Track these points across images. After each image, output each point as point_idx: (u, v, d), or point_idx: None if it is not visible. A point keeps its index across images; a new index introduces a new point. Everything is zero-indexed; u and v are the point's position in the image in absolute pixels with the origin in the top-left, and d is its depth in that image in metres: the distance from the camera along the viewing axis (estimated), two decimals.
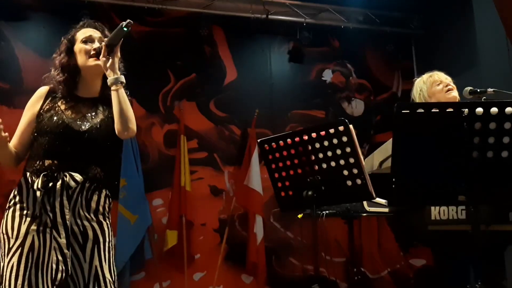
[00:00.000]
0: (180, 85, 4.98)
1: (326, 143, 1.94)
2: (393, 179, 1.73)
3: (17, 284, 1.80)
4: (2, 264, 1.86)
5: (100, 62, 1.92)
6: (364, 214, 3.13)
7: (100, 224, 1.94)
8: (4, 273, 1.83)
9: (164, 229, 4.58)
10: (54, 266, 1.85)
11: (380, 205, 3.06)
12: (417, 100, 2.65)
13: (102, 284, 1.89)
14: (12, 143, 1.97)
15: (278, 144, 2.05)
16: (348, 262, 4.83)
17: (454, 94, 2.60)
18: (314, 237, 2.27)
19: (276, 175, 2.10)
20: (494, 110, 1.65)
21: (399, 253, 5.28)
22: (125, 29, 1.86)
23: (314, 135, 1.96)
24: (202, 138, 5.01)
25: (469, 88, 2.54)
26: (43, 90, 2.04)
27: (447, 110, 1.69)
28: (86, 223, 1.91)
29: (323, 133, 1.94)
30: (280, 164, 2.07)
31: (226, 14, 5.07)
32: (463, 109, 1.66)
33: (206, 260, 4.80)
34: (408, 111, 1.70)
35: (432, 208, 2.26)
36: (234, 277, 4.83)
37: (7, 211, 1.92)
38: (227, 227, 4.90)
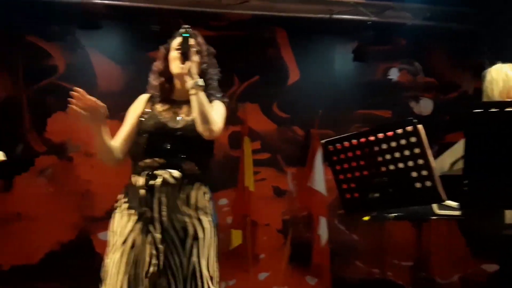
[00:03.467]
0: (244, 87, 5.06)
1: (393, 144, 1.88)
2: (465, 181, 1.67)
3: (118, 280, 1.91)
4: (108, 260, 1.99)
5: (180, 70, 2.04)
6: (434, 217, 3.02)
7: (200, 221, 2.01)
8: (109, 269, 1.96)
9: (229, 228, 4.67)
10: (147, 259, 1.94)
11: (450, 208, 2.94)
12: (489, 93, 2.48)
13: (199, 280, 1.95)
14: (114, 144, 2.10)
15: (343, 145, 2.03)
16: (416, 266, 4.69)
17: None
18: (381, 240, 2.23)
19: (341, 176, 2.08)
20: None
21: (470, 257, 5.04)
22: (184, 35, 1.99)
23: (380, 135, 1.92)
24: (265, 139, 5.05)
25: None
26: (144, 96, 2.22)
27: None
28: (187, 219, 1.99)
29: (390, 133, 1.89)
30: (345, 166, 2.04)
31: (289, 16, 5.08)
32: None
33: (270, 260, 4.83)
34: (480, 110, 1.63)
35: (507, 211, 2.15)
36: (298, 278, 4.83)
37: (115, 211, 2.06)
38: (291, 228, 4.90)
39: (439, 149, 4.67)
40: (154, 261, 1.93)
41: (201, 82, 2.01)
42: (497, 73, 2.53)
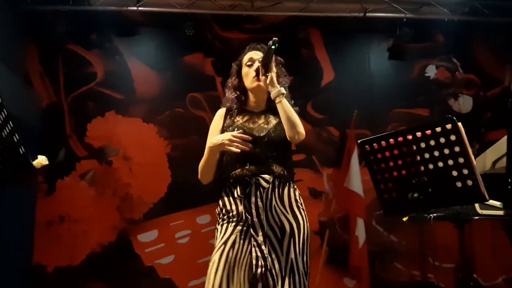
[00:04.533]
0: None
1: (432, 142, 1.85)
2: (509, 180, 1.61)
3: (216, 278, 2.02)
4: (210, 262, 2.10)
5: (261, 83, 2.19)
6: (476, 217, 2.93)
7: (295, 217, 2.14)
8: (209, 268, 2.06)
9: None
10: (254, 261, 2.05)
11: (494, 207, 2.85)
12: None
13: (297, 276, 2.06)
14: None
15: (380, 144, 2.00)
16: (458, 268, 4.56)
17: None
18: (421, 241, 2.18)
19: (379, 176, 2.05)
20: None
21: None
22: (273, 47, 2.10)
23: (419, 134, 1.88)
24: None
25: None
26: (221, 111, 2.34)
27: None
28: (282, 217, 2.12)
29: (429, 132, 1.85)
30: (383, 165, 2.02)
31: (322, 16, 5.05)
32: None
33: None
34: None
35: None
36: (336, 280, 4.78)
37: (218, 224, 2.18)
38: (328, 230, 4.86)
39: (480, 147, 4.56)
40: (261, 262, 2.04)
41: (283, 90, 2.15)
42: None
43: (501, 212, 2.88)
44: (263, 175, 2.12)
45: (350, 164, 4.79)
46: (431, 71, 5.29)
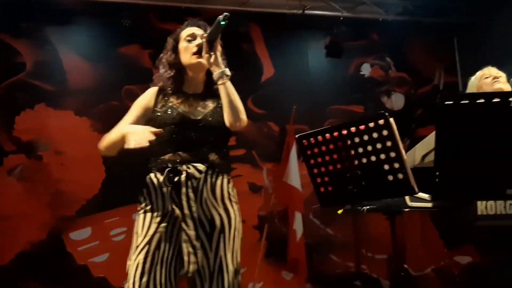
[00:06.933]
0: None
1: (366, 137, 1.89)
2: (437, 173, 1.69)
3: (142, 282, 1.85)
4: (129, 262, 1.92)
5: (203, 60, 1.98)
6: (407, 210, 3.05)
7: (227, 211, 2.00)
8: (131, 271, 1.89)
9: None
10: (185, 258, 1.90)
11: (423, 200, 2.98)
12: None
13: (225, 274, 1.94)
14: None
15: (317, 139, 2.03)
16: (390, 259, 4.75)
17: (500, 86, 2.53)
18: (355, 233, 2.24)
19: (315, 170, 2.08)
20: None
21: (443, 250, 5.14)
22: (222, 23, 1.89)
23: (353, 129, 1.92)
24: (240, 135, 5.03)
25: None
26: (153, 89, 2.10)
27: (494, 100, 1.63)
28: (213, 211, 1.96)
29: (362, 127, 1.90)
30: (319, 160, 2.05)
31: (262, 11, 5.07)
32: (511, 99, 1.60)
33: (246, 257, 4.75)
34: (451, 102, 1.64)
35: (479, 202, 2.19)
36: (274, 273, 4.83)
37: (138, 213, 1.98)
38: (267, 224, 4.90)
39: (411, 143, 4.76)
40: (192, 259, 1.90)
41: (228, 72, 1.97)
42: (474, 77, 2.67)
43: (429, 205, 3.02)
44: (195, 164, 1.95)
45: (289, 159, 4.85)
46: (365, 69, 5.46)
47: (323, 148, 2.01)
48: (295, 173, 4.80)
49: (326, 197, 2.09)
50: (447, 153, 1.71)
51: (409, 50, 5.57)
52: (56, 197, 4.51)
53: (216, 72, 1.96)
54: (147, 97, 2.08)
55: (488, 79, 2.58)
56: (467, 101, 1.64)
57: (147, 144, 1.79)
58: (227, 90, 1.96)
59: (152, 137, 1.82)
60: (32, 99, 4.60)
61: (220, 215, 1.97)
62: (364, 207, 2.82)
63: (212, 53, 1.94)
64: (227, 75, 1.96)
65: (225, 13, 1.88)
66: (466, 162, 1.71)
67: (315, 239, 4.94)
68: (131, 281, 1.87)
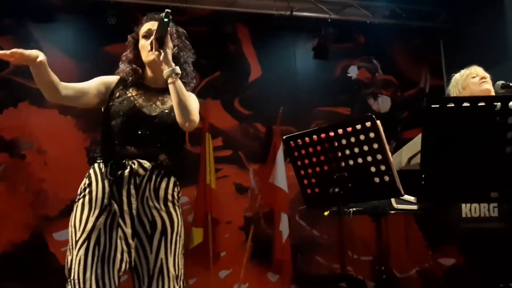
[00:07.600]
0: (204, 83, 4.99)
1: (352, 139, 1.90)
2: (423, 176, 1.69)
3: (86, 278, 1.80)
4: (70, 257, 1.86)
5: (155, 57, 1.92)
6: (392, 212, 3.07)
7: (169, 214, 1.92)
8: (73, 266, 1.83)
9: (190, 226, 4.60)
10: (119, 255, 1.84)
11: (408, 202, 3.00)
12: (452, 93, 2.63)
13: (166, 278, 1.86)
14: (64, 84, 1.99)
15: (304, 140, 2.03)
16: (375, 260, 4.77)
17: (488, 87, 2.55)
18: (341, 235, 2.24)
19: (302, 172, 2.08)
20: None
21: (428, 252, 5.18)
22: (165, 19, 1.86)
23: (340, 131, 1.93)
24: (227, 136, 5.01)
25: (501, 82, 2.47)
26: (115, 77, 2.07)
27: (479, 104, 1.64)
28: (155, 212, 1.89)
29: (349, 129, 1.90)
30: (306, 161, 2.05)
31: (250, 12, 5.06)
32: (496, 103, 1.61)
33: (231, 258, 4.80)
34: (438, 106, 1.65)
35: (463, 205, 2.20)
36: (259, 275, 4.82)
37: (77, 202, 1.91)
38: (252, 225, 4.89)
39: (397, 145, 4.79)
40: (126, 258, 1.84)
41: (178, 70, 1.91)
42: (459, 74, 2.66)
43: (415, 207, 3.04)
44: (141, 160, 1.88)
45: (275, 160, 4.85)
46: (352, 72, 5.48)
47: (310, 149, 2.02)
48: (281, 174, 4.80)
49: (313, 199, 2.09)
50: (433, 156, 1.72)
51: (396, 53, 5.61)
52: (39, 196, 4.44)
53: (165, 70, 1.90)
54: (110, 79, 2.06)
55: (475, 78, 2.59)
56: (453, 105, 1.65)
57: (41, 57, 1.84)
58: (176, 89, 1.88)
59: (42, 59, 1.84)
60: (15, 97, 4.53)
61: (162, 217, 1.90)
62: (351, 209, 2.83)
63: (161, 50, 1.89)
64: (176, 74, 1.90)
65: (166, 10, 1.85)
66: (451, 165, 1.72)
67: (301, 241, 4.94)
68: (75, 276, 1.81)
